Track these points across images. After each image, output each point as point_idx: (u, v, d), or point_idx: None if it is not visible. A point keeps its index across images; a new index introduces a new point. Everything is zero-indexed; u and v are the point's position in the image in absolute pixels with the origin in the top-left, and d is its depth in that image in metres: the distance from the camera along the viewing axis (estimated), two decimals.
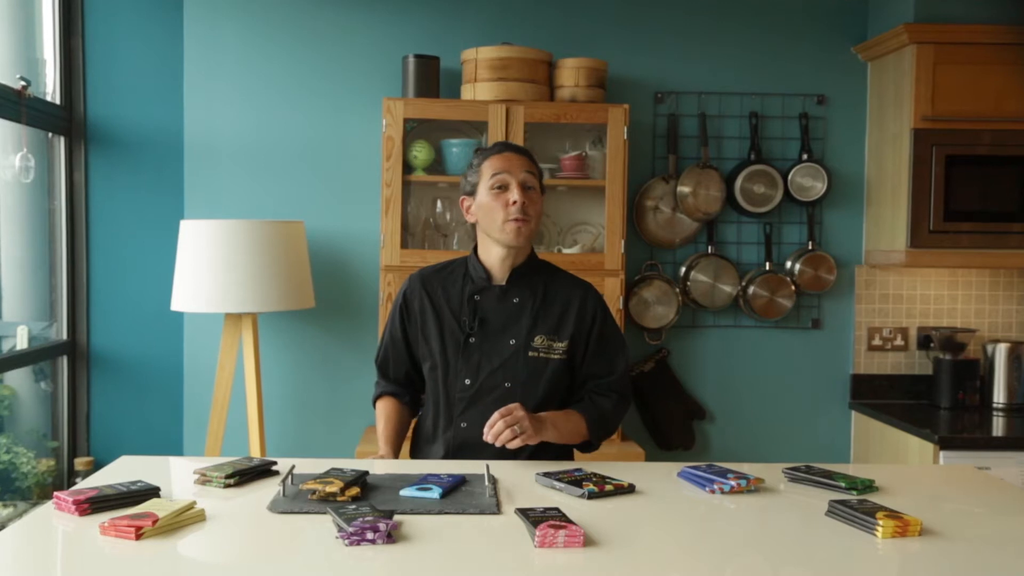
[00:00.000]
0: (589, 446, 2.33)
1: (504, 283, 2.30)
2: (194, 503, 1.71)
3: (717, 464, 2.09)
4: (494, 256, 2.29)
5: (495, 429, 2.07)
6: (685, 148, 3.68)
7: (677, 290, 3.65)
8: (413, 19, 3.59)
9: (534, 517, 1.66)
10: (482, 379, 2.25)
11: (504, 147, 2.30)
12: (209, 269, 3.10)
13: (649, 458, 3.46)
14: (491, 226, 2.25)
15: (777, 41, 3.71)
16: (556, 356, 2.27)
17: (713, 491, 1.95)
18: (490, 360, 2.25)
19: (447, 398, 2.28)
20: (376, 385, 2.46)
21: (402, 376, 2.40)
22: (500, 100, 3.31)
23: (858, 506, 1.76)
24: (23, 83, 3.06)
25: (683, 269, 3.68)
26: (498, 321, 2.27)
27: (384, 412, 2.40)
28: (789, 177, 3.65)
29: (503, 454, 2.22)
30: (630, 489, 1.94)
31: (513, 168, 2.23)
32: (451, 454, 2.26)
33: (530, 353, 2.26)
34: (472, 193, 2.29)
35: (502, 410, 2.09)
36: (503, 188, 2.22)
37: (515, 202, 2.20)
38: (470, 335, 2.26)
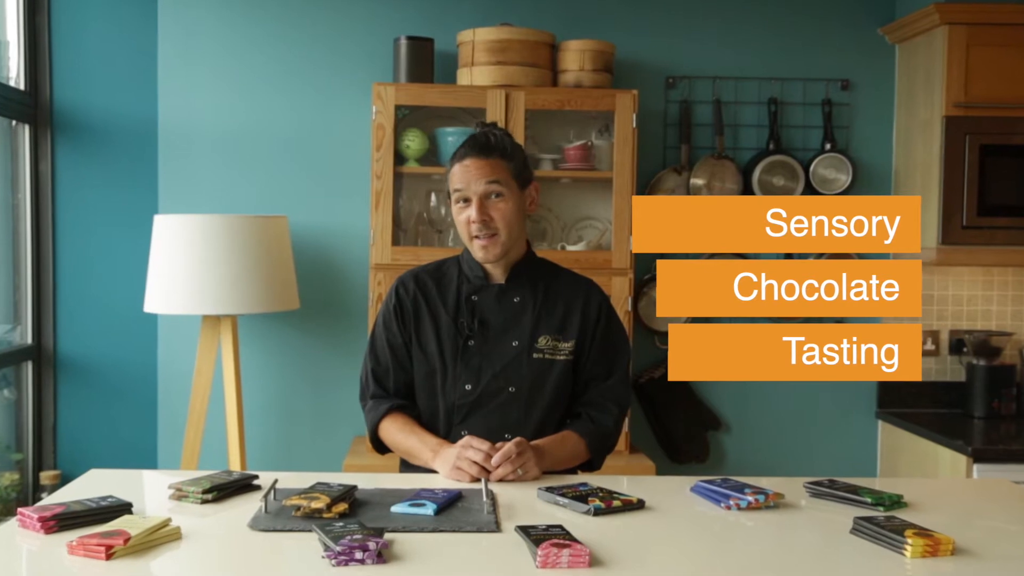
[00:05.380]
0: (590, 465, 2.33)
1: (503, 282, 2.30)
2: (169, 520, 1.70)
3: (733, 478, 2.08)
4: None
5: (499, 471, 2.07)
6: (699, 137, 3.68)
7: None
8: None
9: (536, 535, 1.66)
10: (484, 384, 2.25)
11: (467, 151, 2.25)
12: (185, 268, 3.10)
13: (660, 472, 3.46)
14: (464, 240, 2.30)
15: (798, 22, 3.71)
16: (562, 357, 2.28)
17: (729, 507, 1.95)
18: (492, 364, 2.25)
19: (446, 405, 2.27)
20: (372, 407, 2.33)
21: (403, 387, 2.34)
22: (499, 85, 3.31)
23: (885, 523, 1.76)
24: None
25: None
26: (498, 322, 2.28)
27: (405, 422, 2.27)
28: (811, 168, 3.65)
29: None
30: (639, 505, 1.94)
31: (471, 179, 2.22)
32: None
33: (534, 355, 2.27)
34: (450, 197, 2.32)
35: (509, 450, 2.08)
36: (466, 203, 2.24)
37: (473, 221, 2.22)
38: (469, 337, 2.26)
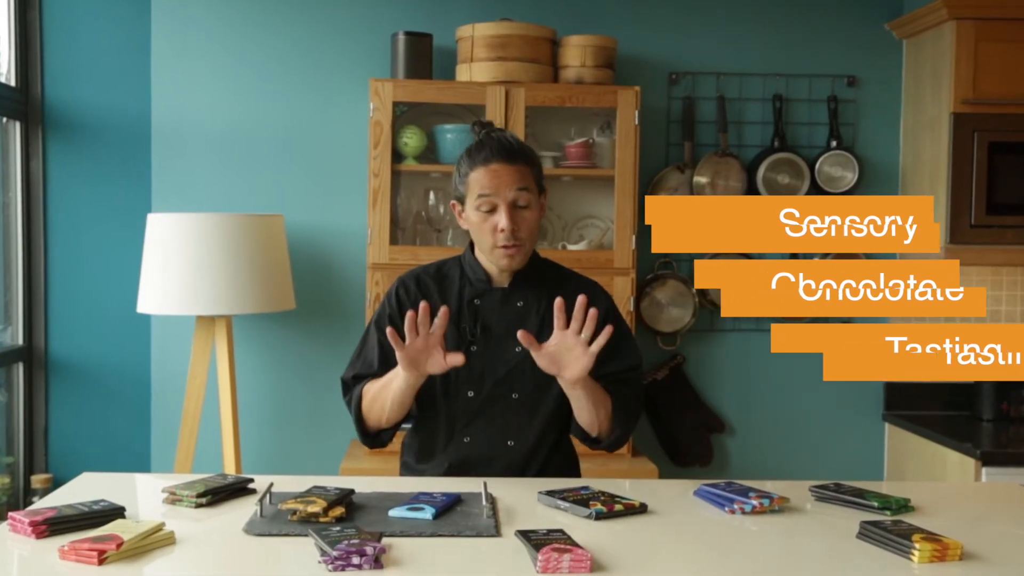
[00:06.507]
0: (601, 441, 2.26)
1: (506, 286, 2.30)
2: (162, 525, 1.71)
3: (737, 482, 2.09)
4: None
5: (597, 344, 2.03)
6: (702, 134, 3.68)
7: (693, 291, 3.65)
8: None
9: (536, 540, 1.66)
10: (487, 390, 2.24)
11: (492, 155, 2.22)
12: (179, 267, 3.10)
13: (663, 475, 3.45)
14: (481, 247, 2.26)
15: (804, 17, 3.71)
16: None
17: (733, 511, 1.95)
18: (494, 370, 2.24)
19: (448, 412, 2.26)
20: (354, 391, 2.29)
21: None
22: (499, 82, 3.31)
23: (892, 528, 1.76)
24: None
25: None
26: (501, 327, 2.26)
27: (379, 381, 2.22)
28: (816, 166, 3.65)
29: (508, 471, 2.22)
30: (642, 509, 1.95)
31: (501, 186, 2.19)
32: (452, 472, 2.25)
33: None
34: (462, 200, 2.27)
35: (579, 308, 2.03)
36: (491, 211, 2.21)
37: (503, 229, 2.19)
38: (471, 343, 2.26)
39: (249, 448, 3.54)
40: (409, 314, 2.03)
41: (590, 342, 2.05)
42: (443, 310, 2.07)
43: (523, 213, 2.21)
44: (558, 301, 2.06)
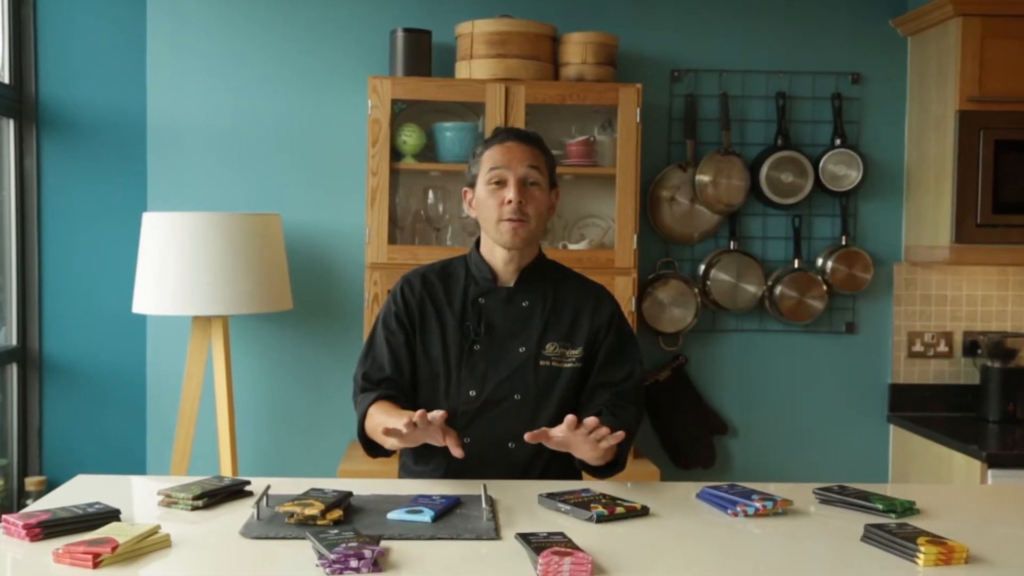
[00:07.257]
0: (612, 469, 2.26)
1: (511, 285, 2.30)
2: (158, 527, 1.70)
3: (740, 484, 2.09)
4: (498, 255, 2.30)
5: (607, 442, 2.02)
6: (705, 132, 3.68)
7: (696, 290, 3.64)
8: None
9: (536, 543, 1.66)
10: (488, 391, 2.25)
11: (508, 135, 2.31)
12: (175, 267, 3.10)
13: (664, 477, 3.46)
14: (487, 224, 2.28)
15: (807, 13, 3.71)
16: (569, 365, 2.28)
17: (736, 514, 1.95)
18: (497, 370, 2.25)
19: (448, 412, 2.25)
20: (362, 400, 2.29)
21: (395, 389, 2.30)
22: (499, 79, 3.31)
23: (897, 531, 1.76)
24: None
25: (702, 267, 3.68)
26: (505, 327, 2.28)
27: (391, 407, 2.20)
28: (820, 165, 3.65)
29: (508, 474, 2.22)
30: (643, 512, 1.95)
31: (513, 162, 2.25)
32: (452, 474, 2.25)
33: (541, 362, 2.27)
34: (473, 184, 2.31)
35: (590, 425, 2.01)
36: (500, 184, 2.25)
37: (510, 201, 2.22)
38: (475, 342, 2.26)
39: (246, 450, 3.54)
40: (405, 419, 1.98)
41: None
42: (440, 413, 2.02)
43: (532, 191, 2.25)
44: (569, 418, 2.00)
